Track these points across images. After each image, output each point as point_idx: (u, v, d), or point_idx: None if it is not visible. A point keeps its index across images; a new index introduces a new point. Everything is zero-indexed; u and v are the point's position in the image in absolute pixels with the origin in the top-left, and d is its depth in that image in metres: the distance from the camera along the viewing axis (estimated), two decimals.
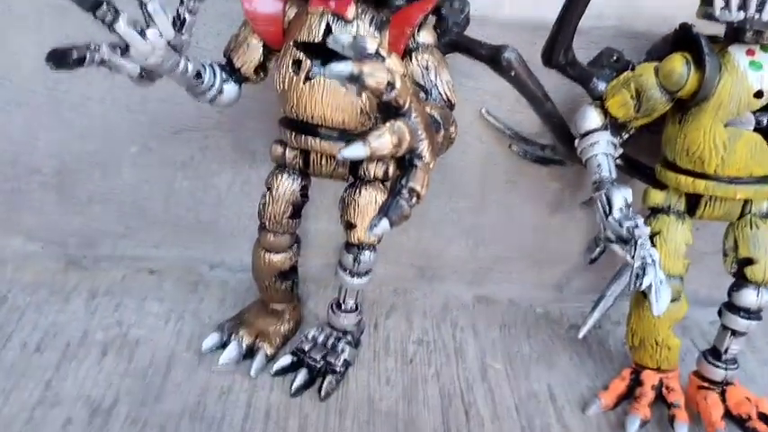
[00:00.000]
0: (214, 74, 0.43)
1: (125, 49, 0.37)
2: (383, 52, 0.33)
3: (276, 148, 0.47)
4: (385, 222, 0.32)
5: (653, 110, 0.43)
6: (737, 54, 0.41)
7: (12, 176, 0.60)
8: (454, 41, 0.44)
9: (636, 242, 0.39)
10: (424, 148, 0.33)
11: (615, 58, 0.46)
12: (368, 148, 0.29)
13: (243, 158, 0.60)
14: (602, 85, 0.45)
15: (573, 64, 0.43)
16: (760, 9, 0.39)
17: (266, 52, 0.45)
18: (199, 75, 0.42)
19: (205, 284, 0.61)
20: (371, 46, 0.32)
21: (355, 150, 0.29)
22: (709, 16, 0.40)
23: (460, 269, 0.63)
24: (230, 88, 0.45)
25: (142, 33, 0.37)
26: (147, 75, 0.39)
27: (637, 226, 0.39)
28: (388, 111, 0.32)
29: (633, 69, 0.45)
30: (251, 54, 0.44)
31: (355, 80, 0.30)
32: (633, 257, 0.39)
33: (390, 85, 0.31)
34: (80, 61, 0.36)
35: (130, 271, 0.61)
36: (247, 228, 0.62)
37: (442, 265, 0.63)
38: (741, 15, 0.39)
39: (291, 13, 0.43)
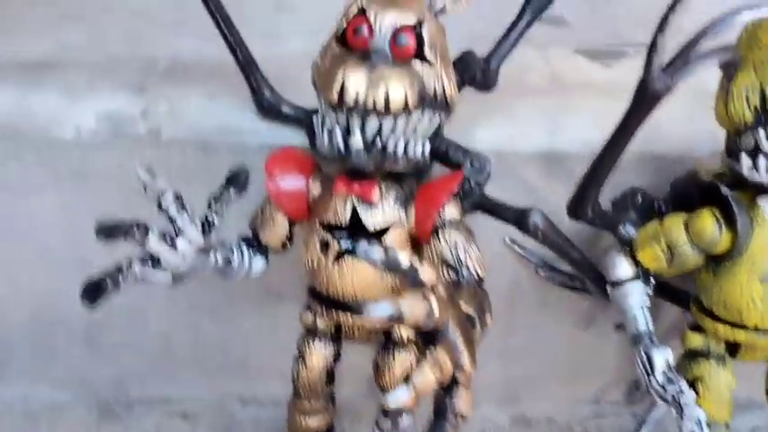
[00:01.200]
0: (242, 254, 0.44)
1: (156, 261, 0.37)
2: (416, 263, 0.33)
3: (307, 315, 0.46)
4: None
5: (685, 264, 0.42)
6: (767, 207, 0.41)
7: (37, 329, 0.61)
8: (477, 202, 0.44)
9: (682, 409, 0.38)
10: (465, 360, 0.33)
11: (639, 198, 0.46)
12: (412, 390, 0.29)
13: (269, 300, 0.60)
14: (631, 230, 0.44)
15: (601, 215, 0.43)
16: None
17: (292, 224, 0.45)
18: (228, 261, 0.42)
19: (238, 425, 0.60)
20: (404, 261, 0.32)
21: (399, 397, 0.29)
22: (736, 173, 0.40)
23: (494, 392, 0.62)
24: (258, 263, 0.45)
25: (172, 243, 0.37)
26: (179, 277, 0.39)
27: (681, 391, 0.39)
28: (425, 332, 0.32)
29: (660, 211, 0.45)
30: (277, 230, 0.44)
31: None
32: (680, 419, 0.39)
33: (429, 314, 0.31)
34: (115, 286, 0.36)
35: (164, 417, 0.61)
36: (276, 364, 0.62)
37: (475, 389, 0.62)
38: None
39: (316, 189, 0.43)
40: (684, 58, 0.32)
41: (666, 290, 0.51)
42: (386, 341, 0.46)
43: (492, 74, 0.45)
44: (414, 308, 0.31)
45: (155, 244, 0.36)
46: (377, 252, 0.32)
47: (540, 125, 0.51)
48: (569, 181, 0.52)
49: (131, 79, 0.56)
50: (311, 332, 0.47)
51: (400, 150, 0.38)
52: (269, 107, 0.50)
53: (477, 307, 0.37)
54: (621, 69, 0.61)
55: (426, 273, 0.33)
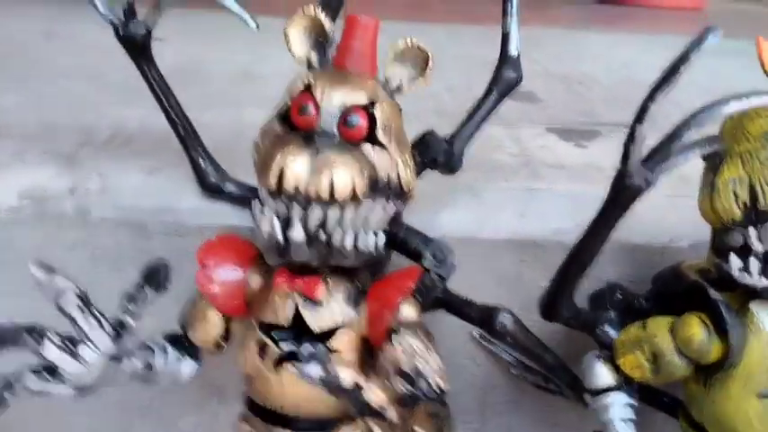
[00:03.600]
0: (166, 357, 0.38)
1: (53, 371, 0.31)
2: (361, 382, 0.28)
3: (242, 427, 0.40)
4: None
5: (673, 374, 0.37)
6: (762, 313, 0.36)
7: None
8: (439, 299, 0.39)
9: None
10: None
11: (619, 295, 0.41)
12: None
13: (209, 397, 0.53)
14: (611, 332, 0.40)
15: (576, 315, 0.38)
16: None
17: (228, 320, 0.39)
18: (149, 366, 0.36)
19: None
20: (347, 380, 0.27)
21: None
22: (724, 274, 0.36)
23: None
24: (188, 366, 0.39)
25: (75, 352, 0.31)
26: (86, 389, 0.33)
27: None
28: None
29: (641, 310, 0.41)
30: (209, 329, 0.38)
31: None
32: None
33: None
34: (0, 405, 0.30)
35: None
36: None
37: None
38: (765, 282, 0.34)
39: (254, 282, 0.38)
40: (666, 150, 0.29)
41: (651, 394, 0.46)
42: None
43: (456, 157, 0.41)
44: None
45: (52, 352, 0.30)
46: (314, 369, 0.27)
47: (509, 209, 0.47)
48: (542, 269, 0.48)
49: (63, 150, 0.51)
50: None
51: (349, 243, 0.33)
52: (212, 185, 0.45)
53: (432, 430, 0.32)
54: (595, 150, 0.58)
55: (374, 395, 0.28)
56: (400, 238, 0.41)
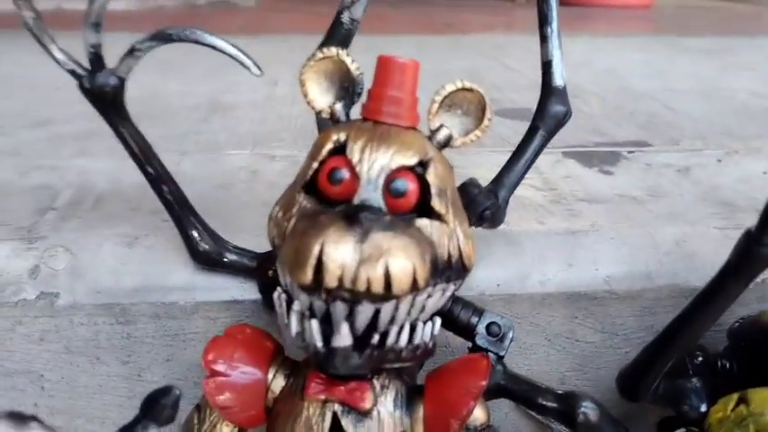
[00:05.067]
0: None
1: None
2: None
3: None
4: None
5: None
6: None
7: None
8: (502, 386, 0.33)
9: None
10: None
11: (700, 358, 0.36)
12: None
13: None
14: (701, 406, 0.34)
15: (661, 392, 0.33)
16: None
17: None
18: None
19: None
20: None
21: None
22: None
23: None
24: None
25: None
26: None
27: None
28: None
29: (725, 372, 0.35)
30: None
31: None
32: None
33: None
34: None
35: None
36: None
37: None
38: None
39: (277, 386, 0.31)
40: None
41: None
42: None
43: (501, 209, 0.35)
44: None
45: None
46: None
47: (554, 257, 0.41)
48: (595, 324, 0.42)
49: (17, 222, 0.43)
50: None
51: (404, 340, 0.27)
52: (207, 255, 0.38)
53: None
54: (623, 177, 0.53)
55: None
56: (446, 310, 0.35)
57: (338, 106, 0.29)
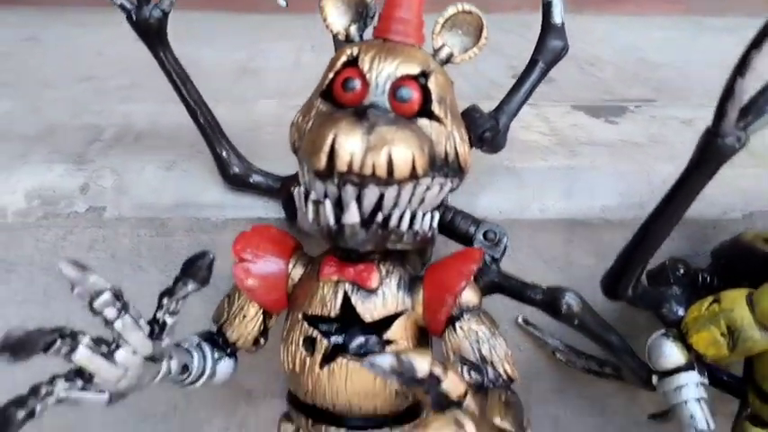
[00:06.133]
0: (204, 358, 0.35)
1: (88, 377, 0.28)
2: (438, 372, 0.25)
3: (286, 428, 0.37)
4: None
5: (751, 350, 0.35)
6: None
7: None
8: (495, 282, 0.36)
9: None
10: None
11: (682, 271, 0.39)
12: None
13: (236, 399, 0.50)
14: (679, 310, 0.37)
15: (642, 294, 0.36)
16: None
17: (267, 316, 0.37)
18: (185, 367, 0.33)
19: None
20: (422, 367, 0.24)
21: None
22: None
23: None
24: (225, 366, 0.36)
25: (110, 355, 0.28)
26: (119, 395, 0.30)
27: None
28: None
29: (705, 285, 0.39)
30: (248, 326, 0.35)
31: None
32: None
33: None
34: (29, 417, 0.27)
35: None
36: None
37: None
38: None
39: (296, 274, 0.35)
40: (759, 108, 0.26)
41: (712, 373, 0.44)
42: None
43: (502, 134, 0.38)
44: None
45: (86, 357, 0.27)
46: (387, 359, 0.24)
47: (553, 188, 0.45)
48: (590, 249, 0.46)
49: (70, 149, 0.48)
50: None
51: (405, 225, 0.31)
52: (237, 177, 0.42)
53: (513, 421, 0.29)
54: (628, 126, 0.56)
55: (452, 383, 0.25)
56: (448, 220, 0.38)
57: (353, 28, 0.33)
